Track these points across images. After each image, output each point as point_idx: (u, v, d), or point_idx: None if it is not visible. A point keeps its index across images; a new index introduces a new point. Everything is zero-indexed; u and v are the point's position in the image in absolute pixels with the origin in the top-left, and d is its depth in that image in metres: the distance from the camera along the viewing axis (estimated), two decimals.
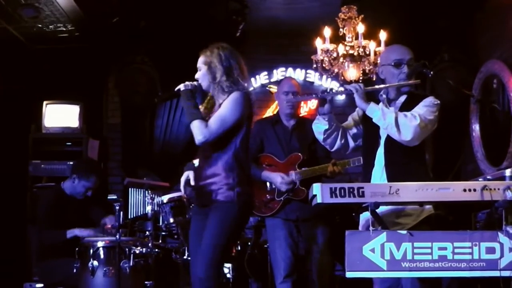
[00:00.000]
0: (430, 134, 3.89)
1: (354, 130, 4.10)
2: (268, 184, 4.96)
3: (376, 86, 4.01)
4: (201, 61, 3.88)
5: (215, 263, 3.66)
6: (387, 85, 3.94)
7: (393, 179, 3.68)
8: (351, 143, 4.11)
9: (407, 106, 3.87)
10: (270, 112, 7.54)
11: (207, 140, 3.72)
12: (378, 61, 5.67)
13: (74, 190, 5.46)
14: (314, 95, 4.06)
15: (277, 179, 4.91)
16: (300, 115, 5.57)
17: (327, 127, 3.98)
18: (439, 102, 3.88)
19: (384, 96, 3.96)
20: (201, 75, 3.87)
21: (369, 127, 3.95)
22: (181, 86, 3.83)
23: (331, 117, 3.97)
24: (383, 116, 3.76)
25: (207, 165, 3.81)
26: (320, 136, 4.06)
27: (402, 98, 3.95)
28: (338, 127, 4.03)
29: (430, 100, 3.87)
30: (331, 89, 3.98)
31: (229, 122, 3.74)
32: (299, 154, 4.97)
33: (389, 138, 3.83)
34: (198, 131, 3.71)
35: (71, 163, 5.91)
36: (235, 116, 3.75)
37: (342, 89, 4.07)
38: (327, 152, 4.75)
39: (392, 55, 3.96)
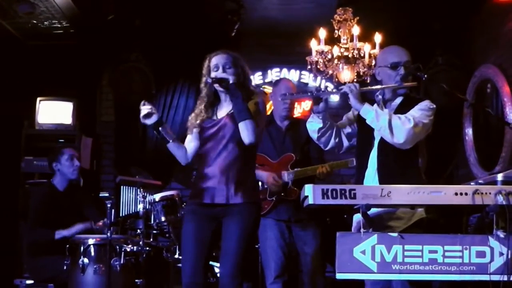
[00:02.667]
0: (424, 137, 3.88)
1: (349, 130, 4.09)
2: (259, 183, 4.95)
3: (373, 87, 4.01)
4: (228, 61, 3.76)
5: (241, 263, 3.62)
6: (383, 86, 3.94)
7: (385, 181, 3.67)
8: (345, 143, 4.09)
9: (402, 109, 3.87)
10: None
11: (255, 142, 3.68)
12: (373, 63, 5.72)
13: (66, 174, 5.47)
14: (309, 93, 4.06)
15: (268, 179, 4.91)
16: (294, 116, 5.56)
17: (321, 125, 3.97)
18: (434, 106, 3.86)
19: (380, 97, 3.95)
20: (232, 73, 3.75)
21: (363, 128, 3.94)
22: (231, 78, 3.71)
23: (325, 115, 3.95)
24: (376, 117, 3.76)
25: (231, 166, 3.72)
26: (314, 135, 4.04)
27: (398, 100, 3.94)
28: (332, 125, 4.02)
29: (426, 104, 3.85)
30: (326, 87, 4.00)
31: (263, 124, 3.83)
32: (292, 154, 4.97)
33: (382, 140, 3.82)
34: (251, 132, 3.63)
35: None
36: (265, 118, 3.88)
37: (337, 89, 4.08)
38: (321, 153, 4.75)
39: (390, 57, 3.95)
